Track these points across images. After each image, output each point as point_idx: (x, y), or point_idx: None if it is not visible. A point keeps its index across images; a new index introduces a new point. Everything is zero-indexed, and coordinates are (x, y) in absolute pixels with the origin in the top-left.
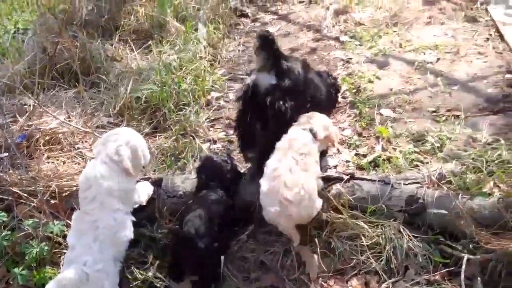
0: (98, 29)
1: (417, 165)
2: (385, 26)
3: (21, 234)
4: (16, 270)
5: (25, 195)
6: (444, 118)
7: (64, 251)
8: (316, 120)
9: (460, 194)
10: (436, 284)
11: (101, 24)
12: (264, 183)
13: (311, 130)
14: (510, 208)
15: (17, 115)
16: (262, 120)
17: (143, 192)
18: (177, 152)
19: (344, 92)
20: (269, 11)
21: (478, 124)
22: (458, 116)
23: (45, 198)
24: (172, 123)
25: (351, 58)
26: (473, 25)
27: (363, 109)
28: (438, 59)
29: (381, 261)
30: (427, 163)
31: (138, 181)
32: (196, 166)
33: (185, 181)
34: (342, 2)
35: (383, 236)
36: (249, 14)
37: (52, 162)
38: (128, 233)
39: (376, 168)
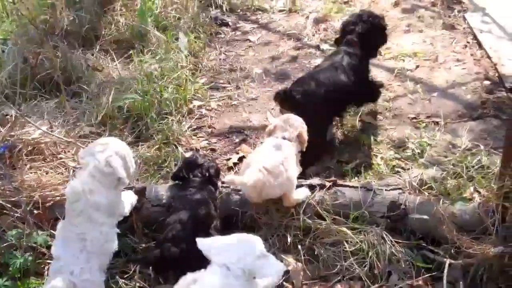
0: (78, 39)
1: (398, 172)
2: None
3: (5, 244)
4: (0, 281)
5: (9, 205)
6: (424, 124)
7: (49, 261)
8: (290, 122)
9: (441, 200)
10: None
11: (81, 34)
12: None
13: (283, 138)
14: (490, 213)
15: None
16: None
17: (127, 202)
18: (160, 161)
19: None
20: (250, 20)
21: (458, 130)
22: (438, 123)
23: (28, 208)
24: (155, 132)
25: None
26: (451, 32)
27: (345, 116)
28: (417, 66)
29: (365, 266)
30: (408, 169)
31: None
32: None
33: (168, 189)
34: (321, 11)
35: (366, 242)
36: (230, 23)
37: (35, 172)
38: (114, 245)
39: (358, 174)
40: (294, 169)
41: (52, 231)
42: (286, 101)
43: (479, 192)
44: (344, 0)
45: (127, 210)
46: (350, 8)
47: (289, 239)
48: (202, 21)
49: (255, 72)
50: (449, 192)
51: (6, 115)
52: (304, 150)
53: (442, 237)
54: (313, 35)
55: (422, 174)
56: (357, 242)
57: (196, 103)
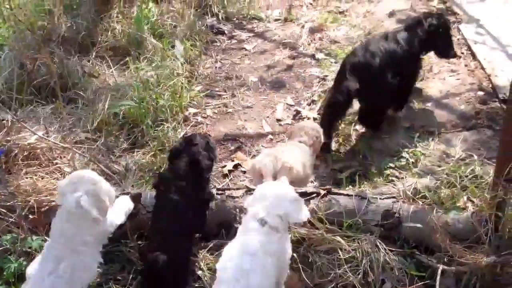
0: (75, 45)
1: (392, 180)
2: (359, 44)
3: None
4: None
5: (4, 210)
6: (418, 134)
7: None
8: (305, 130)
9: (435, 209)
10: None
11: (78, 40)
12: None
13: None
14: (483, 222)
15: None
16: None
17: (121, 210)
18: (155, 168)
19: (320, 108)
20: (246, 28)
21: (452, 140)
22: (432, 132)
23: (23, 213)
24: (150, 139)
25: (327, 75)
26: None
27: (339, 125)
28: None
29: (358, 274)
30: (403, 178)
31: (117, 197)
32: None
33: None
34: (317, 20)
35: (360, 250)
36: (226, 32)
37: (31, 177)
38: (91, 275)
39: (353, 183)
40: (300, 166)
41: (46, 237)
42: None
43: (473, 202)
44: (339, 10)
45: (121, 219)
46: (346, 18)
47: None
48: (198, 29)
49: (251, 80)
50: (442, 201)
51: (2, 120)
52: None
53: (436, 246)
54: (309, 44)
55: (416, 183)
56: (351, 250)
57: (192, 110)
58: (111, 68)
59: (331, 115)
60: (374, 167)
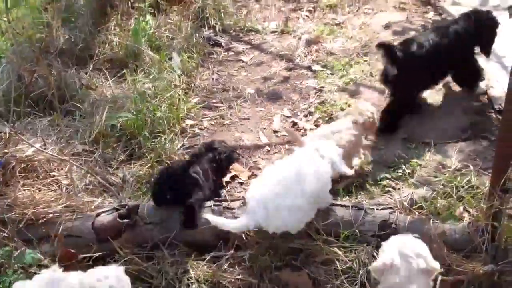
0: (73, 57)
1: (389, 191)
2: (356, 55)
3: None
4: None
5: None
6: (414, 145)
7: None
8: (359, 110)
9: (432, 219)
10: None
11: (76, 53)
12: None
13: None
14: (479, 232)
15: None
16: None
17: None
18: (152, 179)
19: (317, 120)
20: (242, 40)
21: (448, 150)
22: (428, 143)
23: (19, 226)
24: (147, 150)
25: (323, 87)
26: None
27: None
28: None
29: (356, 285)
30: (399, 189)
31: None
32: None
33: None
34: (313, 32)
35: (357, 260)
36: (223, 44)
37: (28, 189)
38: None
39: (350, 194)
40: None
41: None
42: (387, 53)
43: (469, 212)
44: (335, 22)
45: None
46: (342, 30)
47: (279, 258)
48: (195, 41)
49: (248, 92)
50: (439, 212)
51: (0, 132)
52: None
53: (433, 256)
54: (305, 56)
55: (412, 193)
56: (348, 261)
57: (189, 122)
58: (108, 80)
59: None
60: (370, 178)
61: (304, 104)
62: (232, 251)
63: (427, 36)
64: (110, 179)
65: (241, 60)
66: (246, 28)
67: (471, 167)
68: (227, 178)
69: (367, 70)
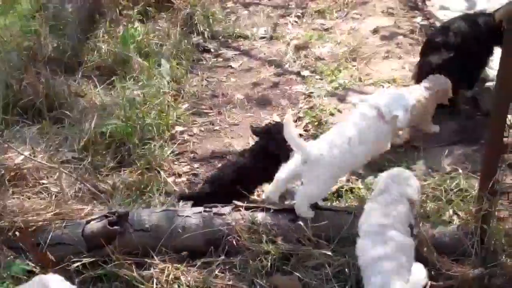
0: (61, 65)
1: None
2: (344, 61)
3: None
4: None
5: None
6: (404, 149)
7: None
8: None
9: (421, 222)
10: None
11: (64, 60)
12: None
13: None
14: (469, 235)
15: None
16: None
17: None
18: (142, 186)
19: (306, 125)
20: (231, 46)
21: (437, 154)
22: (417, 147)
23: (9, 234)
24: (137, 157)
25: (312, 92)
26: None
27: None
28: None
29: None
30: None
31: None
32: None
33: (151, 214)
34: (302, 38)
35: (348, 264)
36: (212, 50)
37: (17, 197)
38: None
39: (339, 198)
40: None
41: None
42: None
43: (458, 215)
44: (324, 27)
45: None
46: (330, 36)
47: (270, 263)
48: (184, 47)
49: (237, 98)
50: (428, 215)
51: None
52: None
53: (422, 259)
54: (294, 62)
55: None
56: (338, 265)
57: (179, 128)
58: (97, 87)
59: None
60: (360, 182)
61: (294, 110)
62: (223, 257)
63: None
64: (100, 186)
65: (230, 66)
66: (235, 34)
67: (460, 171)
68: None
69: (356, 75)
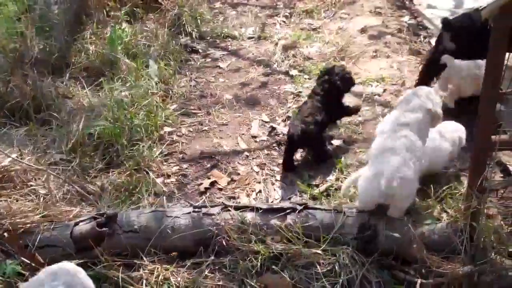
0: (48, 67)
1: None
2: (333, 60)
3: None
4: None
5: None
6: None
7: None
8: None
9: (411, 220)
10: None
11: (51, 62)
12: None
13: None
14: (458, 232)
15: None
16: None
17: None
18: (131, 187)
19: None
20: (220, 47)
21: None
22: None
23: None
24: (126, 158)
25: (301, 92)
26: (417, 57)
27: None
28: (385, 90)
29: None
30: None
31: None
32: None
33: (140, 215)
34: (290, 37)
35: (338, 263)
36: (200, 50)
37: (5, 200)
38: None
39: (329, 197)
40: None
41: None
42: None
43: (447, 212)
44: (312, 27)
45: None
46: (319, 35)
47: (260, 263)
48: (172, 48)
49: (226, 98)
50: (418, 213)
51: None
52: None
53: (412, 257)
54: (282, 62)
55: None
56: (328, 263)
57: (167, 129)
58: (85, 88)
59: (431, 71)
60: None
61: (282, 109)
62: (213, 257)
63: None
64: (88, 187)
65: (219, 66)
66: (223, 35)
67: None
68: (206, 184)
69: None
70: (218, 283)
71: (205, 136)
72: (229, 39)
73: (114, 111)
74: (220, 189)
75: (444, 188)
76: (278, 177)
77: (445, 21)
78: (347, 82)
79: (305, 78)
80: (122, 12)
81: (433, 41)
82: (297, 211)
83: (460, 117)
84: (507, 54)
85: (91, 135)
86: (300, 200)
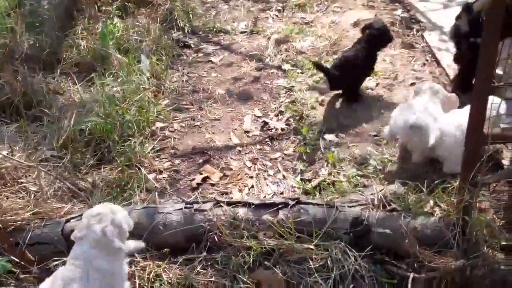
0: (39, 63)
1: (360, 188)
2: (325, 54)
3: None
4: None
5: None
6: (385, 141)
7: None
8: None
9: (403, 214)
10: None
11: (42, 58)
12: None
13: None
14: (450, 226)
15: None
16: None
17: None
18: (122, 184)
19: (288, 119)
20: (212, 41)
21: None
22: (398, 139)
23: None
24: (117, 154)
25: (293, 86)
26: (410, 51)
27: (307, 135)
28: (378, 84)
29: (329, 283)
30: (371, 185)
31: None
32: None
33: (131, 211)
34: (283, 32)
35: (330, 258)
36: (192, 45)
37: None
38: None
39: (322, 192)
40: None
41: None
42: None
43: (440, 206)
44: (305, 21)
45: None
46: (311, 29)
47: (252, 258)
48: (164, 43)
49: (218, 93)
50: (410, 207)
51: None
52: None
53: (405, 252)
54: (275, 56)
55: (384, 189)
56: (321, 259)
57: (159, 124)
58: (76, 84)
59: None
60: (342, 175)
61: (275, 104)
62: (205, 253)
63: None
64: (80, 184)
65: (211, 61)
66: (215, 29)
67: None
68: (198, 180)
69: None
70: (210, 279)
71: (197, 131)
72: (222, 34)
73: (106, 107)
74: (213, 185)
75: (436, 182)
76: (271, 172)
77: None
78: (385, 36)
79: (298, 73)
80: (114, 7)
81: (425, 34)
82: (289, 206)
83: None
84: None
85: (83, 131)
86: (293, 195)
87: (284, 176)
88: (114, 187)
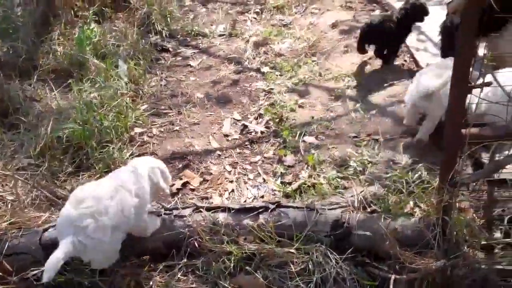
0: (15, 69)
1: (341, 190)
2: (304, 56)
3: None
4: None
5: None
6: (365, 142)
7: None
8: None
9: (383, 216)
10: None
11: (18, 64)
12: None
13: None
14: (430, 227)
15: None
16: None
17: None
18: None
19: (267, 122)
20: (190, 45)
21: (398, 147)
22: (377, 140)
23: None
24: (95, 161)
25: (272, 89)
26: None
27: (287, 138)
28: (357, 85)
29: (310, 287)
30: (351, 187)
31: None
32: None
33: None
34: (261, 34)
35: (311, 261)
36: (170, 49)
37: None
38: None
39: (302, 195)
40: None
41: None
42: None
43: (420, 207)
44: (283, 23)
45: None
46: (290, 31)
47: (233, 263)
48: (142, 47)
49: (197, 96)
50: (390, 208)
51: None
52: None
53: (386, 253)
54: (254, 59)
55: (364, 191)
56: (302, 262)
57: (138, 130)
58: (53, 91)
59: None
60: (322, 177)
61: (254, 107)
62: (185, 260)
63: None
64: (58, 192)
65: (189, 64)
66: (193, 33)
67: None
68: (178, 185)
69: (315, 70)
70: (191, 286)
71: (176, 136)
72: (200, 37)
73: (83, 113)
74: (193, 190)
75: (416, 182)
76: (251, 175)
77: None
78: (419, 11)
79: (277, 75)
80: (91, 12)
81: None
82: (269, 210)
83: None
84: None
85: (60, 138)
86: (273, 198)
87: (264, 180)
88: None
